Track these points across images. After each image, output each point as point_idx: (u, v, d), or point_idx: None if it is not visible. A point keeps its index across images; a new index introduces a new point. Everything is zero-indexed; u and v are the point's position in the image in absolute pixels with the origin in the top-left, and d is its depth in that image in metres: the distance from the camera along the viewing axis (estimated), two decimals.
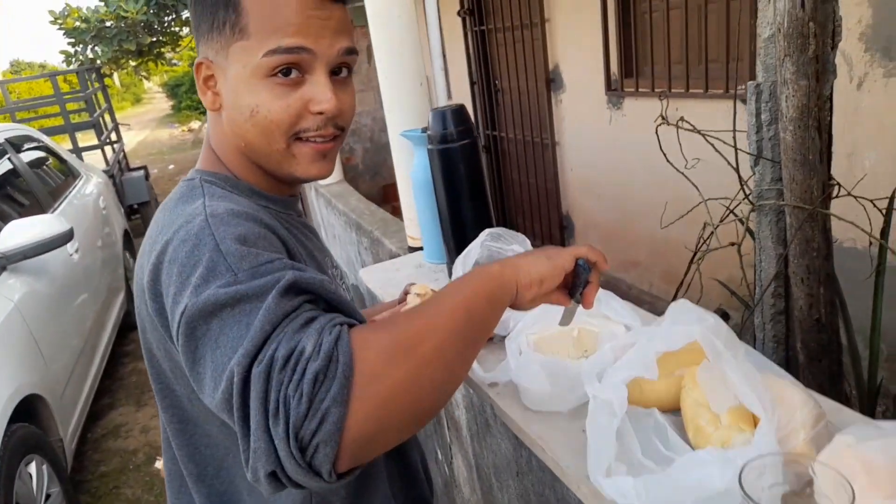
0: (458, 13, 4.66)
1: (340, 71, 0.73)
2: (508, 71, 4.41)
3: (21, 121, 7.13)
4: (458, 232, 1.36)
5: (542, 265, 0.72)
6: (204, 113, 21.90)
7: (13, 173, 3.56)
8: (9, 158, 3.59)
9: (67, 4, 8.07)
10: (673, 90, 3.02)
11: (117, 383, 3.99)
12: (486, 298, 0.65)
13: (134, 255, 5.25)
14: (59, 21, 8.07)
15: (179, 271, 0.62)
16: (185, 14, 8.52)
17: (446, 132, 1.29)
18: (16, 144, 3.85)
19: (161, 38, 8.74)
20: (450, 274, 1.45)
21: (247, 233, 0.64)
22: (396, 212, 5.09)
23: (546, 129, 4.15)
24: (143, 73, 10.45)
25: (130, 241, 5.14)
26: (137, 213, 7.25)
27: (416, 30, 1.60)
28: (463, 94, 4.95)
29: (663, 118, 3.00)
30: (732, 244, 1.78)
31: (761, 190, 1.42)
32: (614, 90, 3.45)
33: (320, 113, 0.71)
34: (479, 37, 4.66)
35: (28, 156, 3.95)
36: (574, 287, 0.77)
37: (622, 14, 3.29)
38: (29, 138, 4.21)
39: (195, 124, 20.43)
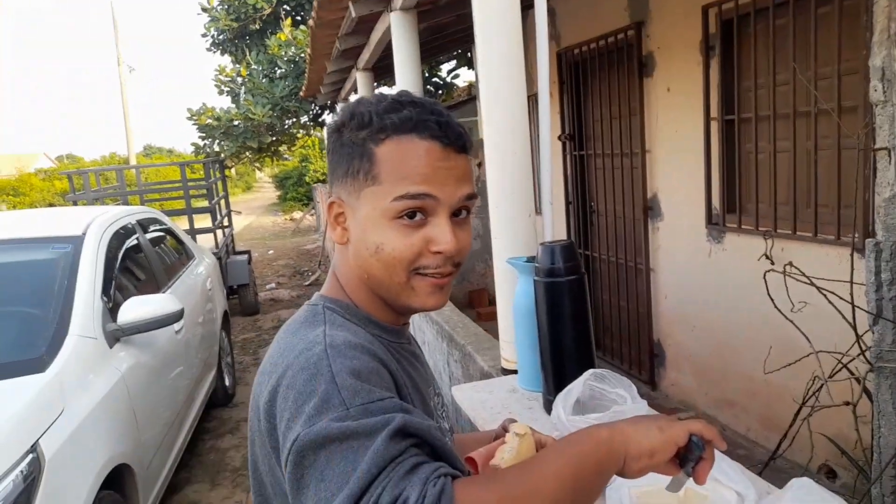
0: (560, 137, 4.85)
1: (460, 213, 0.80)
2: (605, 195, 4.49)
3: (148, 201, 7.85)
4: (557, 364, 1.37)
5: (654, 437, 0.70)
6: (306, 205, 23.29)
7: (138, 251, 3.89)
8: (137, 238, 3.94)
9: (204, 104, 9.04)
10: (779, 230, 2.97)
11: (195, 459, 4.08)
12: (594, 465, 0.65)
13: (229, 335, 5.51)
14: (195, 118, 9.02)
15: (295, 398, 0.67)
16: (304, 119, 9.32)
17: (554, 266, 1.34)
18: (144, 225, 4.23)
19: (280, 137, 9.54)
20: (546, 405, 1.45)
21: (361, 367, 0.69)
22: (481, 317, 5.11)
23: (641, 255, 4.14)
24: (257, 165, 11.33)
25: (228, 321, 5.41)
26: (236, 293, 7.65)
27: (530, 164, 1.70)
28: (558, 213, 5.06)
29: (768, 257, 2.94)
30: (847, 403, 1.68)
31: (881, 351, 1.36)
32: (715, 224, 3.43)
33: (439, 252, 0.77)
34: (577, 160, 4.81)
35: (152, 236, 4.33)
36: (686, 460, 0.74)
37: (726, 151, 3.32)
38: (155, 220, 4.62)
39: (297, 214, 21.69)
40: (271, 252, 13.78)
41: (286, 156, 13.99)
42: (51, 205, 28.38)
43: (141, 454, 2.80)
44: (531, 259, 1.51)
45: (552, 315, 1.36)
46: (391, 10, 2.71)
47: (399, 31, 2.65)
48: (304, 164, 25.40)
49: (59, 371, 2.43)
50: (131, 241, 3.80)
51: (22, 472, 1.98)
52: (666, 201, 3.87)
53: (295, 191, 25.84)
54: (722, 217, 3.39)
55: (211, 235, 7.69)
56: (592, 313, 1.45)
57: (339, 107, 6.84)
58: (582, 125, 4.73)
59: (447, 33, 5.05)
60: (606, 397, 1.20)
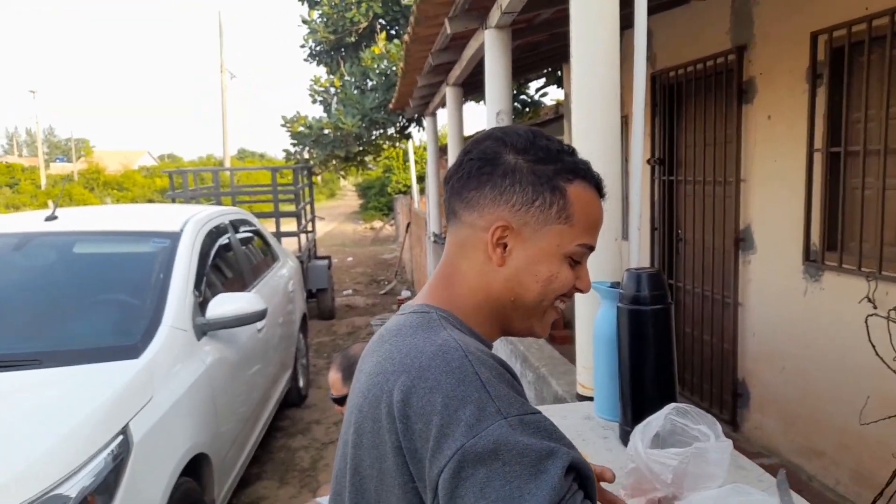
0: (648, 161, 4.73)
1: None
2: (694, 223, 4.34)
3: (239, 202, 8.24)
4: (637, 395, 1.33)
5: None
6: (386, 214, 23.78)
7: (228, 250, 4.08)
8: (228, 237, 4.14)
9: (298, 112, 9.41)
10: (883, 272, 2.77)
11: (266, 455, 4.21)
12: None
13: (307, 337, 5.67)
14: (288, 125, 9.41)
15: (445, 403, 0.67)
16: (390, 130, 9.52)
17: (640, 294, 1.30)
18: (235, 225, 4.43)
19: (366, 147, 9.80)
20: (622, 436, 1.41)
21: (502, 376, 0.72)
22: (555, 340, 5.03)
23: (729, 288, 3.96)
24: (342, 173, 11.66)
25: (306, 324, 5.58)
26: (315, 297, 7.88)
27: (619, 188, 1.67)
28: (643, 239, 4.92)
29: (870, 300, 2.75)
30: None
31: None
32: (813, 261, 3.24)
33: (579, 290, 0.86)
34: (666, 185, 4.67)
35: (242, 236, 4.53)
36: None
37: (829, 185, 3.14)
38: (246, 221, 4.83)
39: (377, 224, 22.16)
40: (350, 259, 14.14)
41: (370, 165, 14.32)
42: (150, 200, 30.29)
43: (219, 445, 2.92)
44: (615, 284, 1.48)
45: (635, 344, 1.32)
46: (485, 28, 2.74)
47: (492, 48, 2.67)
48: (386, 174, 25.97)
49: (151, 359, 2.58)
50: (223, 240, 3.99)
51: (112, 451, 2.10)
52: (760, 233, 3.69)
53: (376, 200, 26.44)
54: (821, 254, 3.20)
55: (295, 239, 7.98)
56: (675, 345, 1.40)
57: (426, 120, 6.95)
58: (673, 150, 4.59)
59: (538, 52, 5.05)
60: (688, 433, 1.15)
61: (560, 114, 8.25)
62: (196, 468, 2.68)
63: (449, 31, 3.08)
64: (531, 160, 0.82)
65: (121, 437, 2.17)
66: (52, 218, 3.44)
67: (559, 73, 6.94)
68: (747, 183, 3.74)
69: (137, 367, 2.50)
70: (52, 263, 3.24)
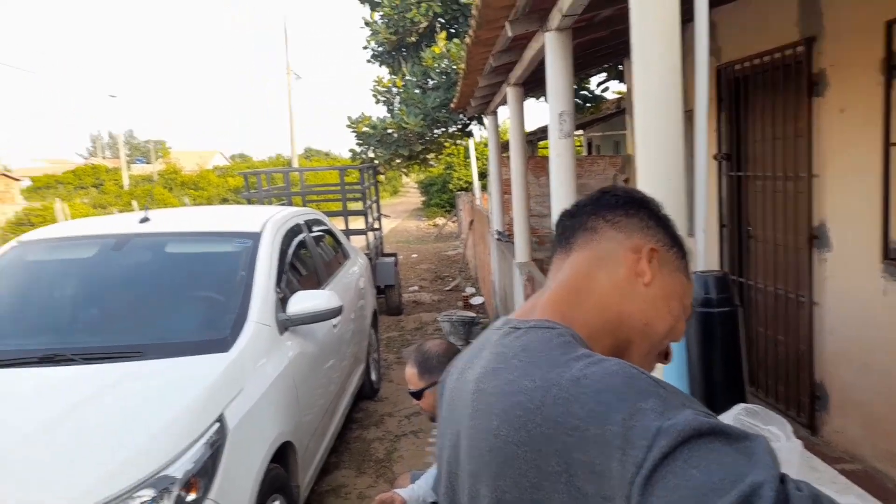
0: (715, 156, 4.67)
1: None
2: (764, 220, 4.26)
3: (308, 202, 8.53)
4: (706, 397, 1.38)
5: None
6: (448, 211, 23.96)
7: (303, 248, 4.29)
8: (303, 236, 4.34)
9: (363, 113, 9.66)
10: None
11: (343, 446, 4.40)
12: None
13: (377, 332, 5.86)
14: (353, 125, 9.66)
15: (620, 398, 0.64)
16: (451, 129, 9.64)
17: (708, 297, 1.36)
18: (309, 225, 4.64)
19: (429, 146, 9.95)
20: None
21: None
22: None
23: (804, 287, 3.87)
24: (404, 171, 11.86)
25: (377, 319, 5.77)
26: (383, 293, 8.07)
27: (683, 185, 1.70)
28: (710, 236, 4.86)
29: None
30: None
31: None
32: (893, 259, 3.16)
33: (665, 356, 0.92)
34: (734, 181, 4.60)
35: (315, 235, 4.74)
36: None
37: None
38: (318, 221, 5.04)
39: (440, 220, 22.35)
40: (415, 256, 14.35)
41: (432, 163, 14.49)
42: (224, 200, 31.58)
43: (302, 435, 3.11)
44: None
45: (703, 346, 1.37)
46: (546, 31, 2.79)
47: (553, 51, 2.72)
48: (448, 171, 26.17)
49: (241, 352, 2.78)
50: (298, 240, 4.19)
51: (211, 438, 2.30)
52: (836, 231, 3.60)
53: (439, 197, 26.67)
54: None
55: (362, 236, 8.21)
56: (745, 345, 1.45)
57: (487, 119, 7.02)
58: (739, 145, 4.52)
59: (598, 48, 5.05)
60: (759, 433, 1.20)
61: (622, 108, 8.16)
62: (283, 456, 2.85)
63: (510, 33, 3.15)
64: (665, 219, 0.91)
65: (217, 425, 2.35)
66: (145, 220, 3.72)
67: (620, 67, 6.88)
68: (820, 178, 3.65)
69: (228, 359, 2.70)
70: (147, 262, 3.50)
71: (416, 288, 10.36)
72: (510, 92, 4.55)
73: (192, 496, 2.12)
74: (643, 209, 0.91)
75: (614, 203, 0.90)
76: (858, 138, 3.30)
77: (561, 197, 2.85)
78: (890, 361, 3.21)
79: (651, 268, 0.86)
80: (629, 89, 6.38)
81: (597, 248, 0.88)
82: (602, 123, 8.92)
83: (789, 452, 1.15)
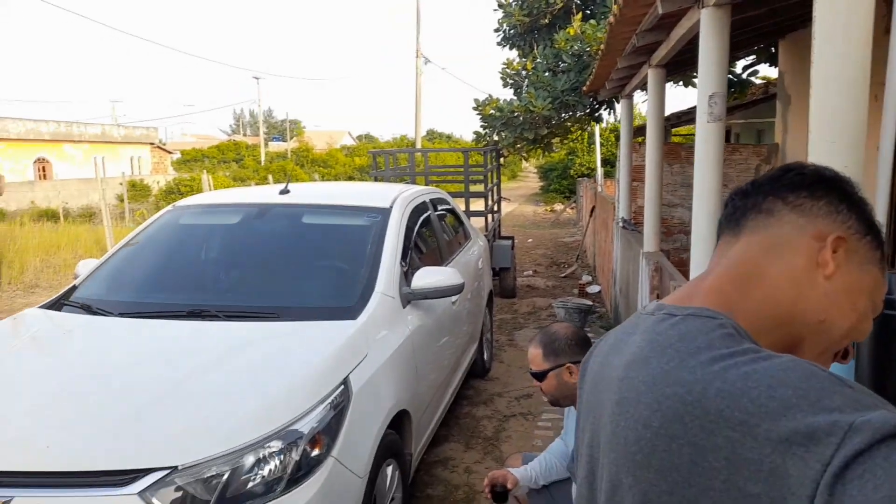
0: None
1: None
2: None
3: (431, 182, 8.69)
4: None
5: None
6: (567, 197, 23.53)
7: (428, 226, 4.37)
8: (428, 214, 4.42)
9: (490, 95, 9.64)
10: None
11: (453, 420, 4.48)
12: None
13: (492, 313, 5.89)
14: (480, 108, 9.67)
15: (800, 395, 0.60)
16: (579, 113, 9.39)
17: (891, 298, 1.22)
18: (434, 204, 4.71)
19: (555, 130, 9.77)
20: None
21: None
22: None
23: None
24: (524, 155, 11.73)
25: (492, 300, 5.79)
26: (497, 276, 8.10)
27: (862, 179, 1.54)
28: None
29: None
30: None
31: None
32: None
33: (846, 355, 0.84)
34: None
35: (439, 214, 4.81)
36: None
37: None
38: (443, 200, 5.11)
39: (558, 206, 22.03)
40: (530, 240, 14.25)
41: (555, 148, 14.25)
42: (350, 178, 33.00)
43: (417, 405, 3.18)
44: None
45: (878, 352, 1.23)
46: (702, 7, 2.61)
47: (708, 28, 2.55)
48: (570, 156, 25.67)
49: (366, 321, 2.88)
50: (424, 217, 4.27)
51: (335, 399, 2.40)
52: None
53: (558, 183, 26.28)
54: None
55: (481, 218, 8.25)
56: None
57: (620, 103, 6.77)
58: None
59: (751, 28, 4.69)
60: None
61: (770, 94, 7.56)
62: (398, 423, 2.94)
63: (660, 10, 2.99)
64: (860, 203, 0.81)
65: (342, 388, 2.45)
66: (285, 192, 3.94)
67: (773, 50, 6.36)
68: None
69: (355, 326, 2.81)
70: (285, 231, 3.72)
71: (530, 272, 10.29)
72: (651, 74, 4.34)
73: (316, 451, 2.23)
74: (834, 190, 0.80)
75: (798, 182, 0.81)
76: None
77: (705, 185, 2.68)
78: None
79: (835, 259, 0.77)
80: (782, 72, 5.90)
81: (772, 232, 0.80)
82: (743, 111, 8.33)
83: None
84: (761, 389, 0.62)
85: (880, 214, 1.55)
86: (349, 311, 2.93)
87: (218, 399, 2.27)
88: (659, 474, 0.67)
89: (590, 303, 7.23)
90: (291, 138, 55.43)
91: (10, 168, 28.24)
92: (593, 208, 10.86)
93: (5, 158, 28.28)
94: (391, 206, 3.71)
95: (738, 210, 0.85)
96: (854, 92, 1.45)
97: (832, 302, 0.77)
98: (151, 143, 37.87)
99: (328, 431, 2.31)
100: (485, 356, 5.32)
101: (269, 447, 2.12)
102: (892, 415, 0.57)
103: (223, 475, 2.00)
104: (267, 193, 4.17)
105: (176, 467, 1.97)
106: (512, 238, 8.99)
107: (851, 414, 0.57)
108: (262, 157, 40.73)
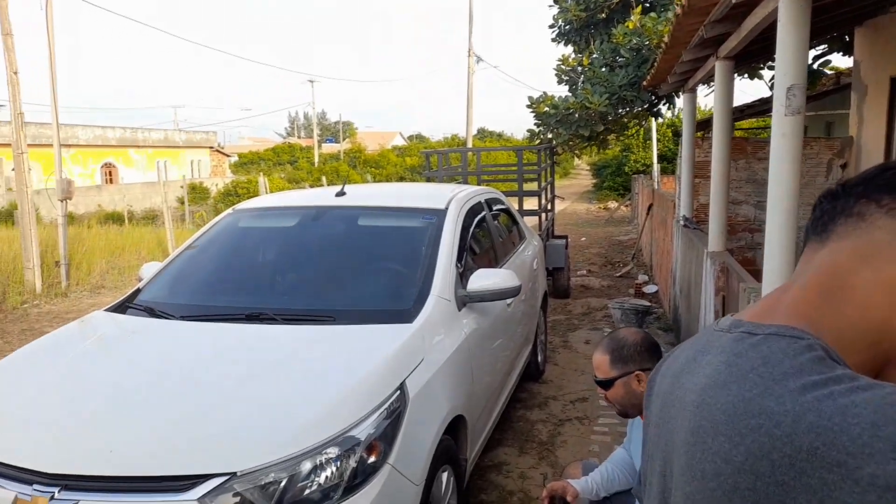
0: None
1: None
2: None
3: (483, 182, 8.61)
4: None
5: None
6: (622, 195, 23.05)
7: (483, 227, 4.30)
8: (483, 215, 4.34)
9: (545, 93, 9.48)
10: None
11: (507, 424, 4.40)
12: None
13: (546, 314, 5.77)
14: (534, 106, 9.53)
15: None
16: (637, 108, 9.14)
17: None
18: (489, 204, 4.63)
19: (611, 126, 9.54)
20: None
21: None
22: None
23: None
24: (577, 152, 11.51)
25: (546, 302, 5.68)
26: (551, 276, 7.96)
27: None
28: None
29: None
30: None
31: None
32: None
33: None
34: None
35: (494, 214, 4.73)
36: None
37: None
38: (497, 200, 5.02)
39: (612, 204, 21.60)
40: (583, 239, 14.01)
41: (610, 145, 13.99)
42: (402, 178, 33.23)
43: (473, 409, 3.12)
44: None
45: None
46: None
47: (788, 14, 2.38)
48: (624, 153, 25.15)
49: (423, 324, 2.83)
50: (479, 218, 4.20)
51: (392, 404, 2.36)
52: None
53: (612, 180, 25.78)
54: None
55: (535, 217, 8.12)
56: None
57: (683, 97, 6.54)
58: None
59: (827, 16, 4.43)
60: None
61: (842, 84, 7.17)
62: (454, 428, 2.88)
63: None
64: None
65: (398, 393, 2.41)
66: (341, 194, 3.94)
67: (847, 37, 6.01)
68: None
69: (411, 330, 2.76)
70: (341, 233, 3.72)
71: (584, 272, 10.09)
72: (719, 66, 4.15)
73: (372, 458, 2.19)
74: None
75: (893, 185, 0.71)
76: None
77: (782, 182, 2.52)
78: None
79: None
80: (857, 62, 5.57)
81: (863, 238, 0.71)
82: (814, 102, 7.93)
83: None
84: (864, 427, 0.55)
85: None
86: (405, 314, 2.88)
87: (275, 404, 2.26)
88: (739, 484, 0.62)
89: (647, 303, 7.02)
90: (344, 140, 56.26)
91: (80, 173, 29.65)
92: (650, 206, 10.57)
93: (75, 164, 29.69)
94: (446, 208, 3.66)
95: (825, 214, 0.76)
96: None
97: None
98: (210, 147, 39.11)
99: (385, 438, 2.27)
100: (539, 358, 5.22)
101: (326, 454, 2.09)
102: None
103: (281, 482, 1.99)
104: (323, 196, 4.18)
105: (235, 473, 1.97)
106: (566, 237, 8.83)
107: None
108: (316, 159, 41.49)
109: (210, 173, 37.29)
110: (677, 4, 3.49)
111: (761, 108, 8.06)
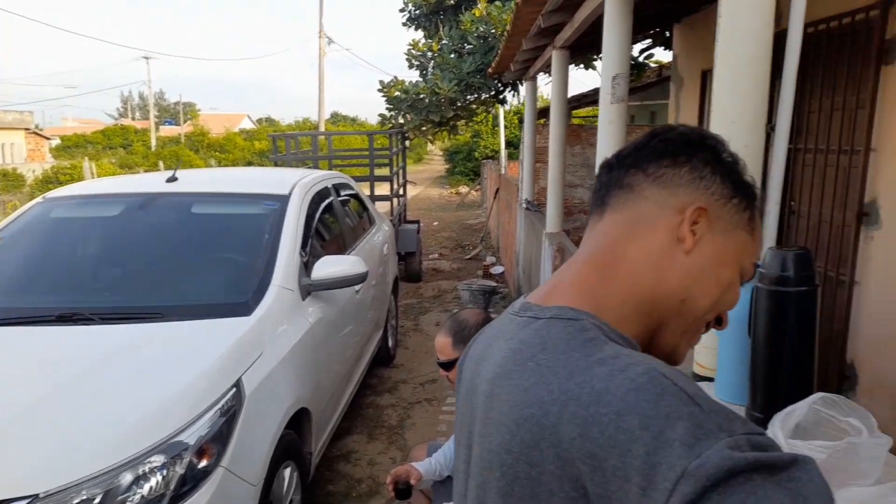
0: (766, 128, 4.43)
1: None
2: (811, 195, 4.03)
3: (335, 167, 8.43)
4: (770, 381, 1.24)
5: None
6: (472, 179, 23.74)
7: (330, 212, 4.19)
8: (331, 200, 4.23)
9: (395, 77, 9.45)
10: None
11: (356, 412, 4.36)
12: None
13: (397, 299, 5.78)
14: (385, 90, 9.47)
15: (645, 424, 0.54)
16: (484, 95, 9.40)
17: (785, 275, 1.21)
18: (337, 189, 4.53)
19: (460, 112, 9.74)
20: (759, 422, 1.33)
21: (705, 392, 0.59)
22: None
23: (846, 265, 3.67)
24: (430, 138, 11.68)
25: (397, 286, 5.69)
26: (403, 260, 8.00)
27: (761, 159, 1.55)
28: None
29: None
30: None
31: None
32: None
33: (720, 322, 0.77)
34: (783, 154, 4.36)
35: (342, 200, 4.63)
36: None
37: None
38: (346, 185, 4.93)
39: (463, 189, 22.16)
40: (436, 223, 14.25)
41: (461, 130, 14.30)
42: (249, 163, 31.69)
43: (318, 401, 3.04)
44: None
45: (773, 327, 1.23)
46: None
47: (612, 8, 2.53)
48: (475, 139, 25.87)
49: (262, 317, 2.69)
50: (326, 204, 4.09)
51: (226, 403, 2.22)
52: (888, 207, 3.38)
53: (463, 165, 26.44)
54: None
55: (387, 203, 8.11)
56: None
57: (525, 85, 6.80)
58: (793, 116, 4.26)
59: (650, 11, 4.79)
60: (835, 425, 1.07)
61: (664, 77, 7.85)
62: (297, 422, 2.79)
63: None
64: (730, 160, 0.74)
65: (234, 390, 2.28)
66: (172, 179, 3.63)
67: (668, 34, 6.58)
68: (878, 153, 3.42)
69: (249, 323, 2.62)
70: (172, 222, 3.43)
71: (436, 255, 10.28)
72: (555, 56, 4.34)
73: (204, 462, 2.05)
74: (698, 154, 0.73)
75: (661, 150, 0.73)
76: None
77: None
78: None
79: (696, 231, 0.71)
80: (676, 55, 6.10)
81: (631, 209, 0.73)
82: (639, 93, 8.62)
83: (874, 448, 1.02)
84: (611, 417, 0.55)
85: (774, 191, 1.56)
86: (243, 306, 2.73)
87: (90, 414, 2.03)
88: (521, 502, 0.62)
89: (494, 284, 7.28)
90: (185, 122, 52.56)
91: None
92: (497, 190, 10.96)
93: None
94: (290, 193, 3.51)
95: (602, 186, 0.77)
96: (755, 70, 1.44)
97: (694, 280, 0.71)
98: (26, 129, 34.72)
99: (218, 439, 2.14)
100: (389, 343, 5.23)
101: (149, 462, 1.92)
102: (730, 452, 0.51)
103: (94, 499, 1.79)
104: (152, 182, 3.84)
105: (37, 496, 1.74)
106: (418, 222, 8.92)
107: (688, 454, 0.51)
108: (153, 143, 38.37)
109: (26, 158, 33.16)
110: None
111: (595, 97, 8.63)
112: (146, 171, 23.10)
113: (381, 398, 4.61)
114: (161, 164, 20.04)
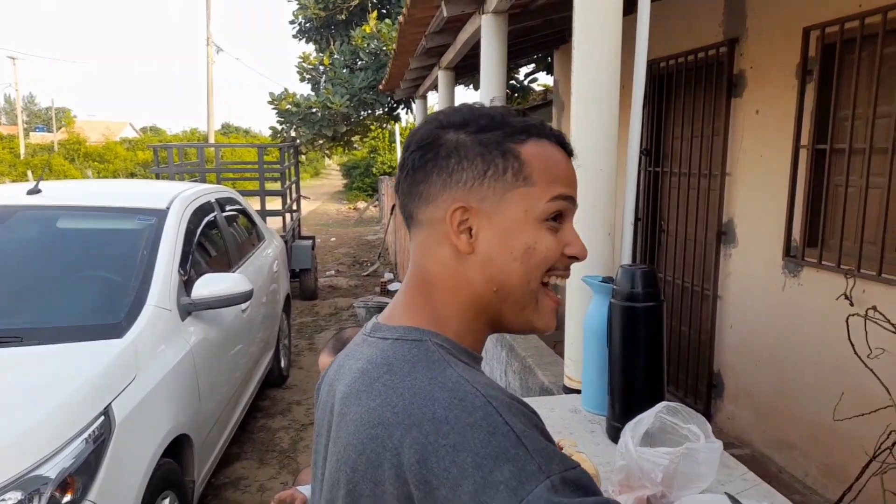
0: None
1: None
2: (678, 215, 4.37)
3: (224, 180, 8.14)
4: (626, 391, 1.34)
5: None
6: (371, 195, 23.67)
7: (214, 228, 4.04)
8: (214, 216, 4.09)
9: (286, 89, 9.29)
10: (862, 270, 2.82)
11: (246, 435, 4.21)
12: None
13: (289, 318, 5.65)
14: (275, 102, 9.28)
15: (476, 463, 0.57)
16: (378, 111, 9.44)
17: (634, 291, 1.32)
18: (221, 204, 4.38)
19: (354, 128, 9.71)
20: (609, 431, 1.43)
21: (533, 423, 0.62)
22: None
23: (709, 281, 4.01)
24: (327, 152, 11.57)
25: (289, 304, 5.55)
26: (297, 277, 7.84)
27: (615, 180, 1.67)
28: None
29: (847, 297, 2.80)
30: None
31: None
32: (793, 257, 3.29)
33: (573, 257, 0.74)
34: (651, 176, 4.70)
35: (228, 215, 4.48)
36: None
37: (813, 181, 3.18)
38: (232, 200, 4.77)
39: (361, 204, 22.04)
40: (333, 239, 14.07)
41: (357, 146, 14.25)
42: (132, 174, 29.84)
43: (200, 426, 2.91)
44: (607, 279, 1.49)
45: (626, 340, 1.33)
46: (483, 13, 2.71)
47: (489, 33, 2.65)
48: (372, 155, 25.83)
49: (135, 339, 2.55)
50: (209, 219, 3.94)
51: (94, 432, 2.08)
52: (742, 227, 3.73)
53: (361, 181, 26.31)
54: (801, 250, 3.25)
55: (279, 218, 7.92)
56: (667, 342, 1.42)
57: (416, 102, 6.90)
58: (660, 141, 4.62)
59: (530, 37, 5.03)
60: (678, 432, 1.17)
61: (548, 100, 8.23)
62: (177, 448, 2.67)
63: (445, 13, 3.05)
64: (474, 131, 0.71)
65: (102, 418, 2.15)
66: (35, 191, 3.38)
67: (549, 59, 6.92)
68: (732, 177, 3.77)
69: (121, 346, 2.48)
70: (34, 238, 3.18)
71: (332, 272, 10.14)
72: (441, 75, 4.45)
73: (68, 497, 1.92)
74: (439, 149, 0.71)
75: (412, 170, 0.73)
76: (770, 139, 3.42)
77: None
78: (782, 354, 3.36)
79: (471, 226, 0.70)
80: (557, 80, 6.42)
81: (419, 236, 0.74)
82: (528, 114, 8.99)
83: (708, 452, 1.13)
84: (447, 450, 0.58)
85: (628, 213, 1.69)
86: (114, 328, 2.58)
87: None
88: (354, 492, 0.64)
89: (390, 301, 7.29)
90: (59, 129, 48.76)
91: None
92: (394, 206, 11.00)
93: None
94: (168, 207, 3.35)
95: (404, 198, 0.76)
96: (605, 97, 1.57)
97: (492, 269, 0.70)
98: None
99: (84, 471, 2.00)
100: (282, 363, 5.09)
101: (4, 501, 1.78)
102: (547, 494, 0.55)
103: None
104: (10, 194, 3.54)
105: None
106: (313, 238, 8.77)
107: (513, 494, 0.55)
108: (22, 150, 35.29)
109: None
110: (401, 14, 3.66)
111: None
112: (13, 181, 21.20)
113: (273, 420, 4.48)
114: (30, 173, 18.48)
